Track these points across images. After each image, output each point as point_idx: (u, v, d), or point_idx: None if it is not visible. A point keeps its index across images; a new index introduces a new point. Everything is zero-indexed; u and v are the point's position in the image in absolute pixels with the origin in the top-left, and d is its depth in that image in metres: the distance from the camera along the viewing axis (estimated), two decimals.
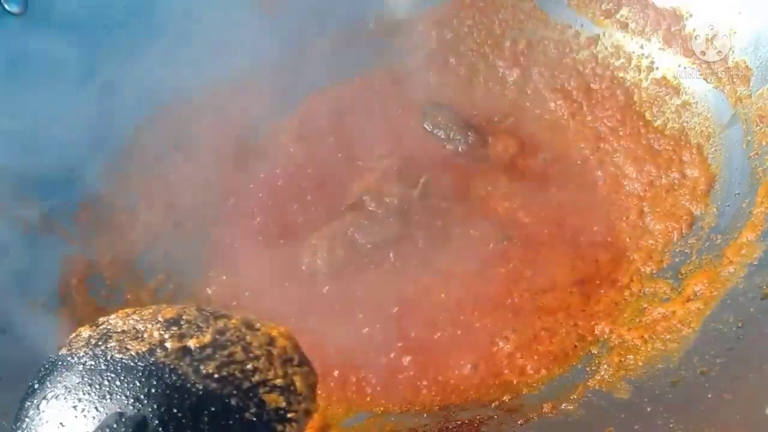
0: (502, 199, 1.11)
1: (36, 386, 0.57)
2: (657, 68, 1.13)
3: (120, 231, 1.11)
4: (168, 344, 0.57)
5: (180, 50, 1.17)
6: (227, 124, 1.25)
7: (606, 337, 0.94)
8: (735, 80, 1.01)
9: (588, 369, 0.91)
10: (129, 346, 0.57)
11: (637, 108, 1.14)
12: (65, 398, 0.54)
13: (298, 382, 0.62)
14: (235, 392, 0.56)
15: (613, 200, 1.08)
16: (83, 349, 0.58)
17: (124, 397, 0.53)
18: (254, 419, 0.56)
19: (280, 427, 0.58)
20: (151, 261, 1.12)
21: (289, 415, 0.59)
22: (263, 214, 1.18)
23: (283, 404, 0.59)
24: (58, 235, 1.03)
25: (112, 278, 1.07)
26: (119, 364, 0.55)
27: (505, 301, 1.00)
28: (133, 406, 0.53)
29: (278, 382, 0.60)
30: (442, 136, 1.22)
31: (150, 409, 0.53)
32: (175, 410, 0.53)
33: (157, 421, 0.52)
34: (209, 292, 1.11)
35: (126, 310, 0.64)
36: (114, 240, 1.10)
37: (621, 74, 1.17)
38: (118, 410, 0.53)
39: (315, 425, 0.91)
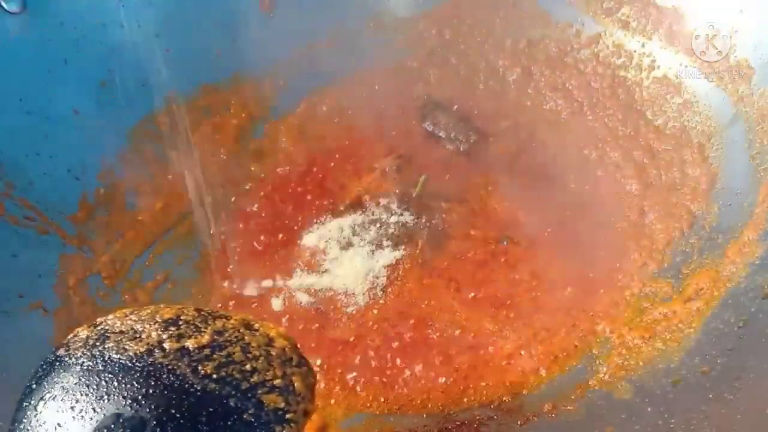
0: (502, 199, 1.11)
1: (34, 387, 0.57)
2: (658, 67, 1.13)
3: (118, 231, 1.11)
4: (166, 345, 0.57)
5: (178, 50, 1.17)
6: (227, 124, 1.25)
7: (606, 337, 0.94)
8: (736, 79, 1.01)
9: (588, 369, 0.91)
10: (127, 347, 0.57)
11: (638, 107, 1.14)
12: (63, 399, 0.54)
13: (297, 383, 0.61)
14: (233, 393, 0.56)
15: (614, 200, 1.08)
16: (81, 350, 0.57)
17: (122, 398, 0.53)
18: (253, 420, 0.56)
19: (278, 428, 0.58)
20: (150, 261, 1.12)
21: (287, 416, 0.59)
22: (263, 213, 1.18)
23: (282, 405, 0.59)
24: (56, 235, 1.03)
25: (110, 278, 1.07)
26: (117, 365, 0.55)
27: (505, 301, 1.00)
28: (131, 407, 0.53)
29: (277, 382, 0.60)
30: (443, 136, 1.21)
31: (148, 410, 0.53)
32: (173, 411, 0.53)
33: (154, 422, 0.52)
34: (208, 292, 1.11)
35: (124, 311, 0.63)
36: (112, 240, 1.09)
37: (622, 73, 1.17)
38: (116, 411, 0.52)
39: (314, 426, 0.91)
